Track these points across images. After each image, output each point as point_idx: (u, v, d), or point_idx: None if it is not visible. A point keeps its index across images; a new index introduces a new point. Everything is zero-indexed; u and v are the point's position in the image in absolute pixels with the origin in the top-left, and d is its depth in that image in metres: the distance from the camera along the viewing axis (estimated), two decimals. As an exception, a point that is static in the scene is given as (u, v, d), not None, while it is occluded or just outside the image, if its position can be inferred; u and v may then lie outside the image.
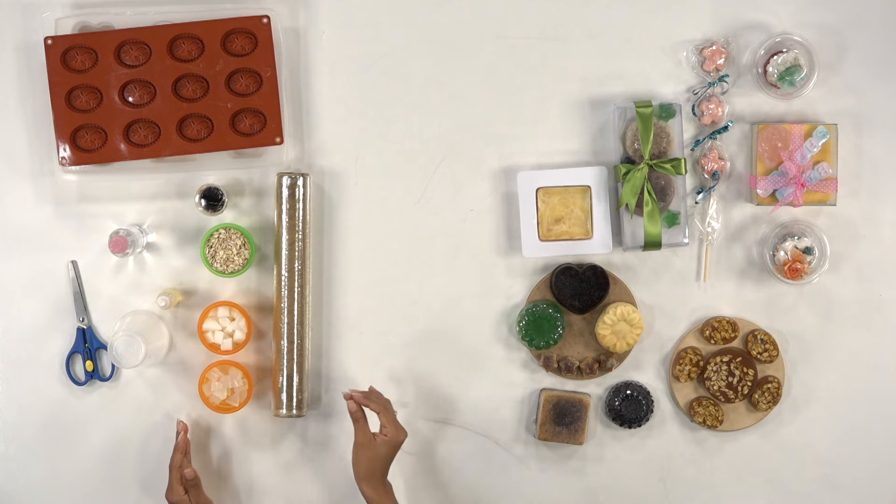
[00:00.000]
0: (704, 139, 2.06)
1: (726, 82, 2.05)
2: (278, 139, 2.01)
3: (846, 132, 2.06)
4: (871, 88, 2.08)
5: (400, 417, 2.09)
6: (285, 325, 2.03)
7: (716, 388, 2.07)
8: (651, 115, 2.01)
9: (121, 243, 1.98)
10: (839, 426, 2.11)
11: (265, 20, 2.00)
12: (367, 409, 1.93)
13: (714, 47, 2.04)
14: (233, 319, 2.04)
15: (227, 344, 2.03)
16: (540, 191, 2.04)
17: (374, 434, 1.92)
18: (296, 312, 2.03)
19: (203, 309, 2.04)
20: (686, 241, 2.05)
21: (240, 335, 2.04)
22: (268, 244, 2.06)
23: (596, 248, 2.05)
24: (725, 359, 2.07)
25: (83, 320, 2.07)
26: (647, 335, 2.10)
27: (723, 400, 2.08)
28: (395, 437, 1.91)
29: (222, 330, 2.03)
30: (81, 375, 2.08)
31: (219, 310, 2.04)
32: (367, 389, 1.98)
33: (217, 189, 2.02)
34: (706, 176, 2.06)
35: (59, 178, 2.04)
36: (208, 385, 2.03)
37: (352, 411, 1.92)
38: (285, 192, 2.02)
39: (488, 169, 2.08)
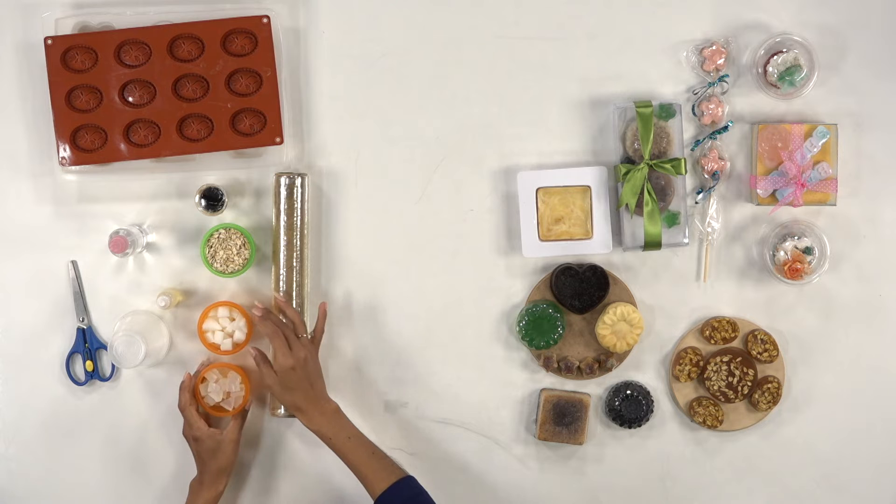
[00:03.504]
0: (704, 139, 2.06)
1: (726, 82, 2.05)
2: (278, 139, 2.01)
3: (846, 132, 2.06)
4: (871, 88, 2.08)
5: (400, 417, 2.09)
6: (285, 326, 2.03)
7: (716, 388, 2.07)
8: (651, 115, 2.01)
9: (121, 243, 1.98)
10: (839, 426, 2.11)
11: (265, 20, 2.00)
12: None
13: (714, 47, 2.04)
14: (233, 319, 2.04)
15: (226, 344, 2.03)
16: (540, 191, 2.04)
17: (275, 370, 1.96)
18: (295, 312, 2.03)
19: (203, 309, 2.04)
20: (686, 241, 2.05)
21: (240, 335, 2.04)
22: (268, 244, 2.06)
23: (596, 248, 2.05)
24: (725, 359, 2.07)
25: (83, 320, 2.07)
26: (647, 335, 2.10)
27: (723, 400, 2.08)
28: (282, 365, 1.93)
29: (222, 330, 2.03)
30: (81, 375, 2.08)
31: (219, 310, 2.04)
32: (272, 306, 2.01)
33: (217, 189, 2.02)
34: (706, 176, 2.06)
35: (59, 178, 2.04)
36: (205, 385, 2.03)
37: (254, 356, 1.97)
38: (283, 193, 2.02)
39: (488, 169, 2.08)
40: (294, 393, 1.95)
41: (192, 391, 2.01)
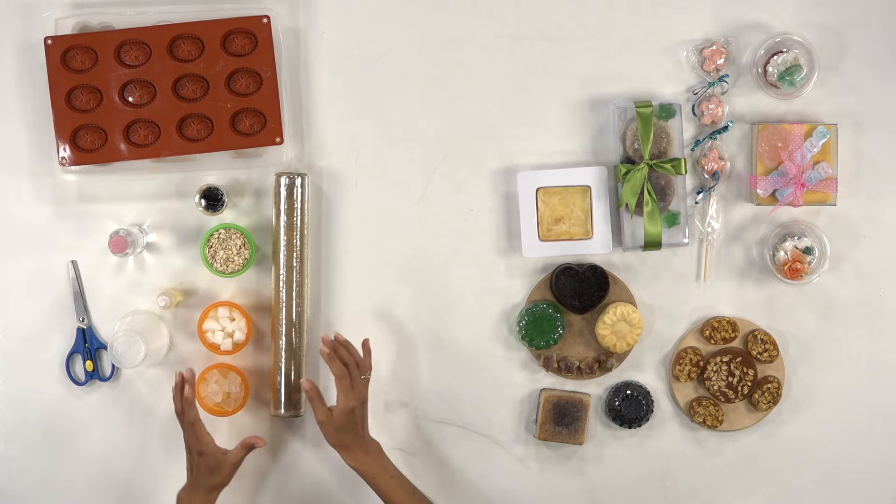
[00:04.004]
0: (704, 139, 2.06)
1: (726, 82, 2.05)
2: (278, 139, 2.01)
3: (846, 132, 2.06)
4: (871, 88, 2.07)
5: (400, 417, 2.09)
6: (283, 325, 2.03)
7: (716, 388, 2.07)
8: (651, 115, 2.01)
9: (121, 243, 1.98)
10: (839, 426, 2.11)
11: (265, 20, 2.00)
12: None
13: (714, 47, 2.04)
14: (233, 319, 2.04)
15: (226, 344, 2.03)
16: (540, 191, 2.04)
17: (330, 407, 1.93)
18: (294, 313, 2.03)
19: (203, 309, 2.04)
20: (686, 241, 2.05)
21: (240, 335, 2.04)
22: (268, 244, 2.06)
23: (596, 248, 2.05)
24: (725, 359, 2.07)
25: (83, 320, 2.07)
26: (647, 335, 2.10)
27: (723, 400, 2.08)
28: (343, 406, 1.92)
29: (222, 330, 2.03)
30: (81, 375, 2.08)
31: (219, 310, 2.04)
32: (340, 340, 1.98)
33: (217, 189, 2.02)
34: (706, 176, 2.06)
35: (59, 178, 2.04)
36: (205, 385, 2.03)
37: (307, 389, 1.93)
38: (283, 193, 2.02)
39: (488, 169, 2.08)
40: (345, 433, 1.93)
41: (195, 405, 1.96)
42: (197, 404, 1.98)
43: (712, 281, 2.10)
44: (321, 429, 1.94)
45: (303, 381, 1.95)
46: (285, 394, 2.03)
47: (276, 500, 2.10)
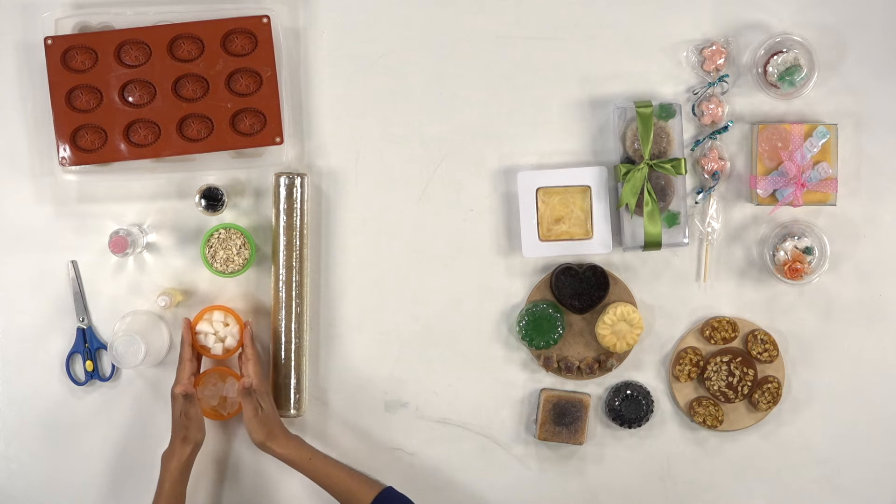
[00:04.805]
0: (704, 139, 2.06)
1: (726, 82, 2.05)
2: (278, 139, 2.01)
3: (846, 132, 2.06)
4: (871, 88, 2.07)
5: (400, 417, 2.09)
6: (283, 325, 2.03)
7: (716, 388, 2.07)
8: (651, 115, 2.01)
9: (121, 243, 1.98)
10: (839, 426, 2.11)
11: (265, 20, 2.00)
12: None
13: (714, 47, 2.04)
14: (227, 325, 2.03)
15: (217, 348, 2.02)
16: (540, 191, 2.04)
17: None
18: (294, 312, 2.03)
19: (201, 309, 2.04)
20: (686, 241, 2.05)
21: (231, 341, 2.03)
22: (268, 244, 2.06)
23: (596, 248, 2.05)
24: (725, 359, 2.07)
25: (83, 320, 2.07)
26: (647, 335, 2.10)
27: (723, 400, 2.08)
28: (262, 387, 1.96)
29: (215, 334, 2.03)
30: (81, 375, 2.08)
31: (214, 313, 2.03)
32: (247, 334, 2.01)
33: (217, 189, 2.02)
34: (706, 176, 2.06)
35: (59, 178, 2.04)
36: (203, 389, 2.03)
37: (247, 386, 1.95)
38: (283, 193, 2.02)
39: (488, 169, 2.08)
40: (271, 421, 1.96)
41: (193, 346, 2.00)
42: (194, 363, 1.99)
43: (712, 281, 2.10)
44: (251, 425, 1.95)
45: (244, 380, 1.95)
46: (285, 394, 2.03)
47: (275, 499, 2.10)
